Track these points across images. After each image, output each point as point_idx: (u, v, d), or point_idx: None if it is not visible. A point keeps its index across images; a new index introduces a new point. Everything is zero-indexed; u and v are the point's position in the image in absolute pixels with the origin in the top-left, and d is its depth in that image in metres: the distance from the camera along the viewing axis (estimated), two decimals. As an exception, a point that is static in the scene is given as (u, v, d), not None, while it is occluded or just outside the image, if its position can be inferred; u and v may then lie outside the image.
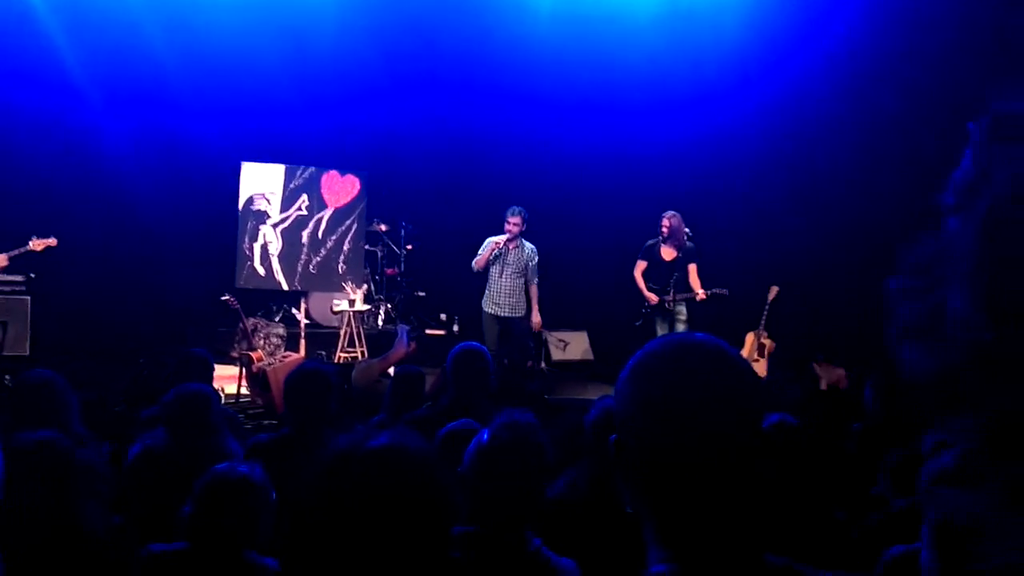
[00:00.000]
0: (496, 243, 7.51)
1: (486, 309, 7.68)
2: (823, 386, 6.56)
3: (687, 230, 7.89)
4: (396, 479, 1.24)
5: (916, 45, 7.91)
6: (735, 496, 1.05)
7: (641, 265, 8.03)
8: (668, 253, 7.90)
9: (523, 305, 7.72)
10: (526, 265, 7.65)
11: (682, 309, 7.84)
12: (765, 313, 8.22)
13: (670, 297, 7.79)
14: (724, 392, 1.05)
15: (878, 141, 8.60)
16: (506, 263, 7.59)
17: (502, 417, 2.30)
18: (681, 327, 7.78)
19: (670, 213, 7.89)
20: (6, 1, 8.74)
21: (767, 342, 8.23)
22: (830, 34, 8.63)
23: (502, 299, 7.62)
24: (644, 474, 1.08)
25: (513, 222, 7.47)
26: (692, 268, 7.85)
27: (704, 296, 7.71)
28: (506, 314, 7.64)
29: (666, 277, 7.85)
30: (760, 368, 8.05)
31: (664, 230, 7.85)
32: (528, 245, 7.70)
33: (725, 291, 7.73)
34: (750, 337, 8.26)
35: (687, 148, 9.40)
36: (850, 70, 8.65)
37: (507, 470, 2.18)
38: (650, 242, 8.00)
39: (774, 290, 8.26)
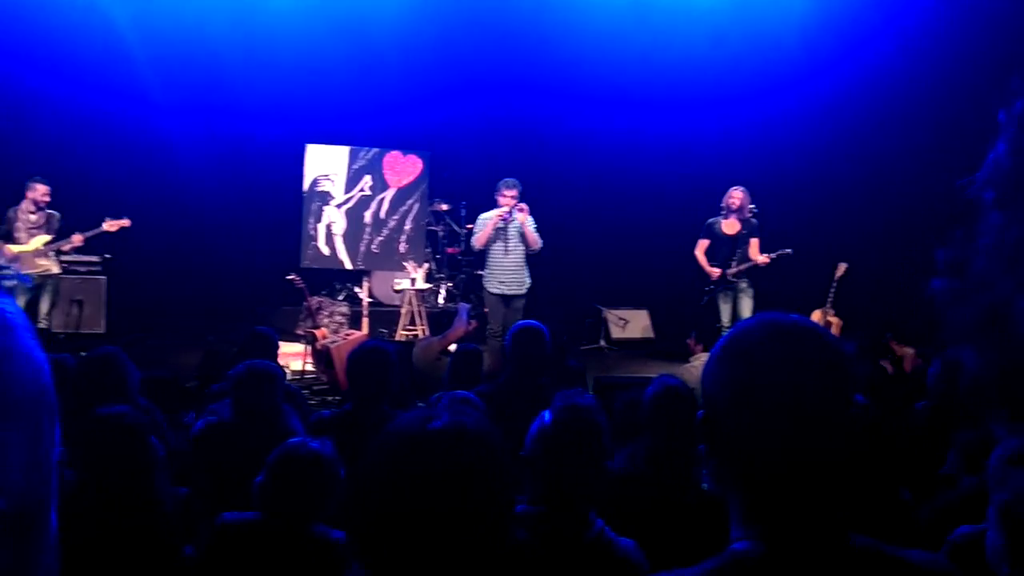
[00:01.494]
0: (501, 215, 7.15)
1: (491, 289, 7.34)
2: (896, 366, 6.40)
3: (752, 206, 7.74)
4: (458, 460, 1.25)
5: (990, 24, 7.65)
6: (826, 477, 1.06)
7: (703, 244, 7.90)
8: (730, 227, 7.75)
9: (527, 279, 7.37)
10: (523, 232, 7.25)
11: (746, 284, 7.70)
12: (832, 291, 8.03)
13: (733, 269, 7.66)
14: (819, 373, 1.07)
15: (952, 115, 8.32)
16: (508, 237, 7.26)
17: (562, 399, 2.31)
18: (746, 302, 7.65)
19: (738, 187, 7.75)
20: (85, 12, 9.07)
21: (834, 320, 8.05)
22: (906, 11, 8.42)
23: (507, 276, 7.28)
24: (733, 453, 1.09)
25: (509, 195, 7.15)
26: (754, 243, 7.69)
27: (767, 260, 7.54)
28: (512, 291, 7.31)
29: (728, 252, 7.71)
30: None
31: (734, 202, 7.68)
32: (516, 208, 7.21)
33: (789, 251, 7.53)
34: (816, 315, 8.09)
35: (750, 127, 9.28)
36: (925, 48, 8.41)
37: (570, 452, 2.19)
38: (710, 220, 7.87)
39: (842, 267, 8.06)
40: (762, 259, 7.53)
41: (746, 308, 7.63)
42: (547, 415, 2.27)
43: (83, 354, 4.17)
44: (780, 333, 1.10)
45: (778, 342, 1.09)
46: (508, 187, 7.20)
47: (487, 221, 7.23)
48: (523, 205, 7.16)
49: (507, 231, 7.26)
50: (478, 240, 7.32)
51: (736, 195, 7.69)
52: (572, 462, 2.18)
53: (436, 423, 1.26)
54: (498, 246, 7.30)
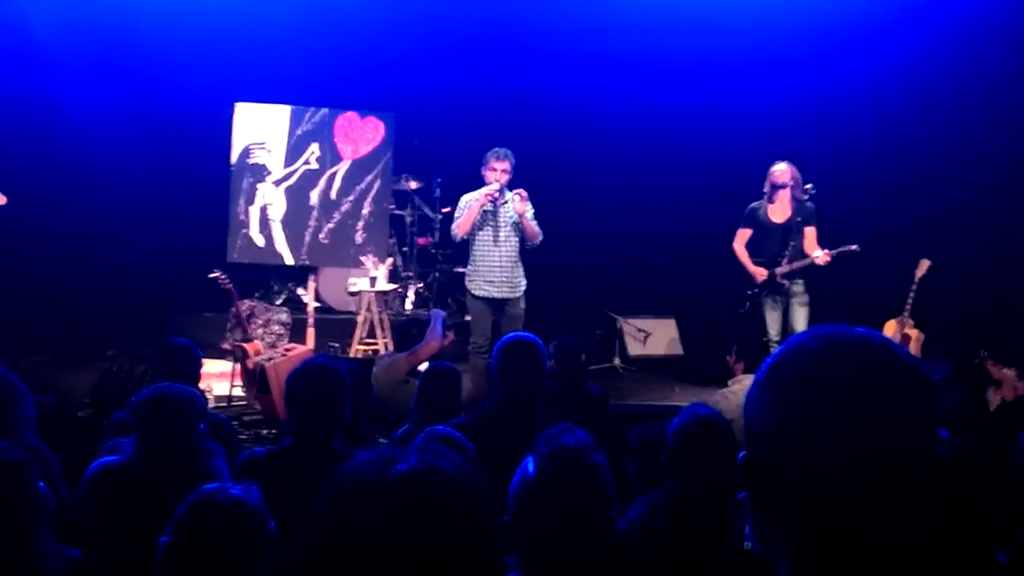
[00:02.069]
0: (488, 195, 7.10)
1: (475, 292, 7.35)
2: (994, 393, 6.44)
3: (809, 186, 7.75)
4: (428, 515, 1.25)
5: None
6: (903, 535, 1.07)
7: (743, 234, 7.92)
8: (779, 214, 7.77)
9: (523, 280, 7.40)
10: (517, 222, 7.26)
11: (799, 287, 7.73)
12: (911, 295, 8.05)
13: (783, 268, 7.68)
14: (895, 404, 1.07)
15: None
16: (498, 224, 7.26)
17: (546, 441, 2.32)
18: (800, 310, 7.69)
19: (784, 162, 7.75)
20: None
21: (913, 333, 8.09)
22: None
23: (497, 274, 7.26)
24: (784, 504, 1.10)
25: (500, 168, 7.14)
26: (810, 232, 7.71)
27: (827, 258, 7.54)
28: (503, 294, 7.30)
29: (778, 246, 7.73)
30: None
31: (781, 177, 7.66)
32: (514, 194, 7.21)
33: (855, 247, 7.53)
34: (891, 326, 8.14)
35: (802, 95, 9.42)
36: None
37: (561, 510, 2.21)
38: (753, 204, 7.89)
39: (924, 264, 8.08)
40: (821, 257, 7.54)
41: (800, 318, 7.67)
42: (530, 464, 2.28)
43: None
44: (844, 352, 1.11)
45: (841, 363, 1.09)
46: (498, 158, 7.20)
47: (472, 203, 7.23)
48: (521, 191, 7.15)
49: (497, 216, 7.26)
50: (460, 227, 7.31)
51: (781, 169, 7.70)
52: (565, 523, 2.20)
53: (401, 467, 1.26)
54: (485, 236, 7.30)
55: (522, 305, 7.40)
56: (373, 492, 1.25)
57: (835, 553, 1.07)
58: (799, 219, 7.70)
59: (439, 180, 9.98)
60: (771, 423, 1.11)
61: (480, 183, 7.27)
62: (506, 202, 7.22)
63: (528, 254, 7.41)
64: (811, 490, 1.07)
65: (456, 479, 1.28)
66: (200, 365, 5.07)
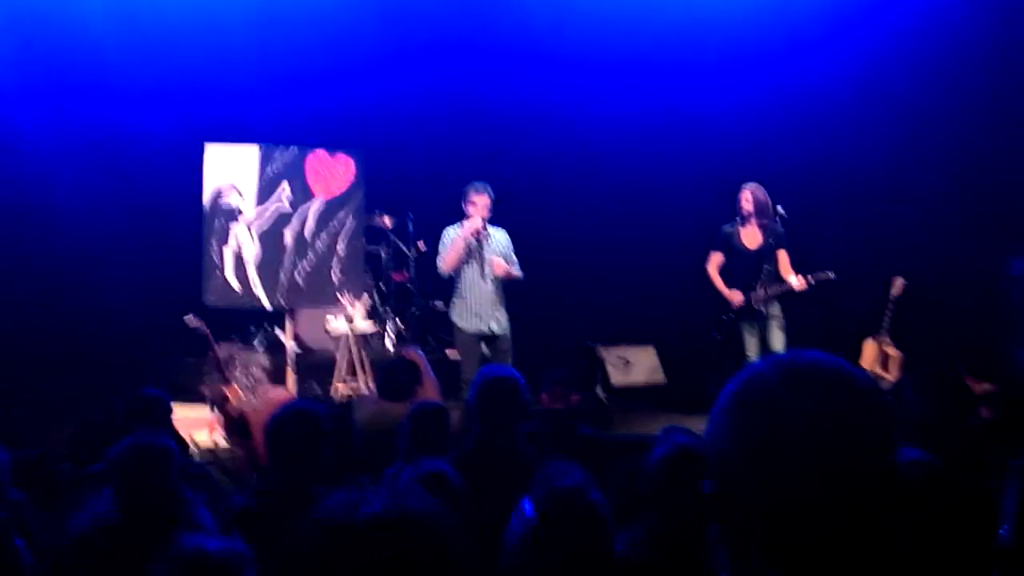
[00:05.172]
0: (474, 230, 7.25)
1: (462, 325, 7.48)
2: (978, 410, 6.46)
3: (779, 208, 7.81)
4: (397, 557, 1.25)
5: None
6: (870, 557, 1.07)
7: (715, 258, 7.98)
8: (751, 239, 7.84)
9: (507, 314, 7.55)
10: (506, 257, 7.47)
11: (776, 310, 7.79)
12: (888, 313, 8.12)
13: (759, 294, 7.73)
14: (853, 426, 1.08)
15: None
16: (483, 259, 7.38)
17: (544, 484, 2.31)
18: (777, 334, 7.74)
19: (751, 185, 7.83)
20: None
21: (892, 352, 8.14)
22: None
23: (486, 308, 7.41)
24: (750, 531, 1.10)
25: (482, 203, 7.27)
26: (783, 256, 7.79)
27: (804, 284, 7.61)
28: (493, 328, 7.45)
29: (751, 271, 7.79)
30: (887, 385, 7.97)
31: (746, 206, 7.77)
32: (499, 231, 7.51)
33: (831, 274, 7.63)
34: (869, 346, 8.19)
35: (768, 113, 9.40)
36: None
37: (566, 556, 2.20)
38: (726, 228, 7.95)
39: (898, 283, 8.16)
40: (797, 283, 7.61)
41: (778, 339, 7.74)
42: (527, 507, 2.26)
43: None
44: (800, 374, 1.12)
45: (799, 386, 1.11)
46: (478, 192, 7.29)
47: (455, 238, 7.27)
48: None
49: (482, 250, 7.33)
50: (446, 263, 7.39)
51: (747, 195, 7.77)
52: (566, 564, 2.20)
53: (368, 508, 1.26)
54: (471, 270, 7.39)
55: (509, 338, 7.47)
56: (341, 534, 1.25)
57: None
58: (772, 242, 7.76)
59: (411, 215, 9.98)
60: (728, 451, 1.12)
61: (457, 214, 7.32)
62: (488, 236, 7.30)
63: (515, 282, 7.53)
64: (770, 518, 1.08)
65: (424, 520, 1.28)
66: (170, 412, 5.04)
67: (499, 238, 7.53)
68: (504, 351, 7.44)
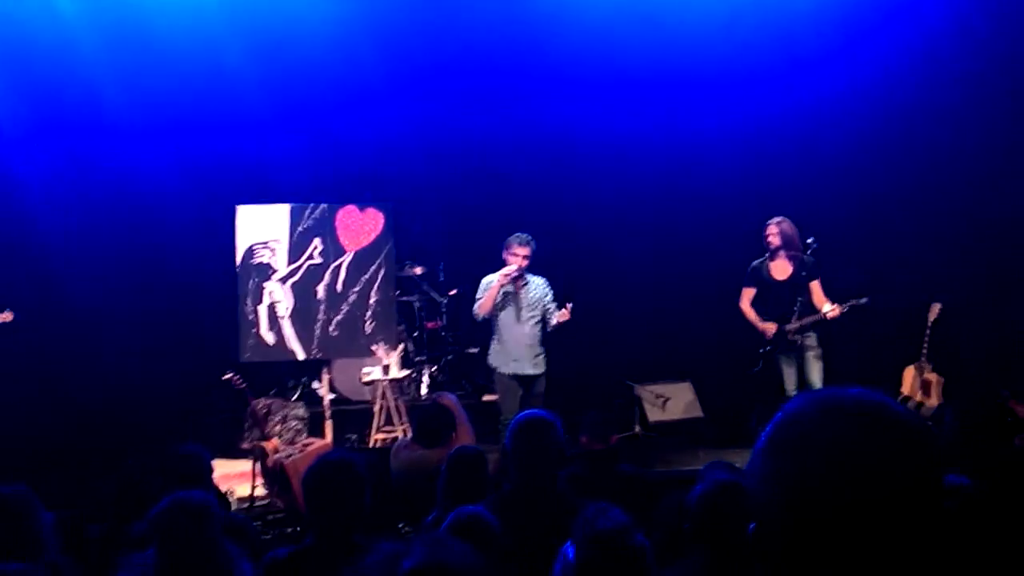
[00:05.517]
0: (506, 275, 7.43)
1: (501, 369, 7.64)
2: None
3: (810, 240, 7.79)
4: None
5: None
6: None
7: (748, 293, 7.96)
8: (781, 271, 7.81)
9: (545, 357, 7.71)
10: (541, 303, 7.63)
11: (812, 340, 7.73)
12: (926, 340, 8.05)
13: (793, 325, 7.68)
14: (896, 463, 1.07)
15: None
16: (520, 305, 7.57)
17: (585, 526, 2.30)
18: (815, 365, 7.67)
19: (777, 219, 7.82)
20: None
21: (932, 377, 8.06)
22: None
23: (523, 351, 7.58)
24: (793, 572, 1.09)
25: (522, 253, 7.45)
26: (815, 287, 7.74)
27: (837, 312, 7.55)
28: (530, 371, 7.61)
29: (785, 303, 7.75)
30: (928, 411, 7.88)
31: (773, 239, 7.76)
32: (538, 279, 7.69)
33: (865, 299, 7.56)
34: (909, 373, 8.11)
35: (796, 144, 9.39)
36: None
37: None
38: (755, 263, 7.95)
39: (935, 308, 8.10)
40: (831, 311, 7.55)
41: (815, 371, 7.67)
42: (569, 551, 2.25)
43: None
44: (841, 412, 1.11)
45: (840, 424, 1.09)
46: (520, 244, 7.47)
47: (492, 284, 7.45)
48: (522, 277, 7.38)
49: (518, 297, 7.50)
50: (481, 307, 7.56)
51: (773, 229, 7.77)
52: None
53: (408, 563, 1.27)
54: (508, 315, 7.56)
55: (544, 382, 7.61)
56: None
57: None
58: (804, 275, 7.72)
59: (442, 264, 10.05)
60: (768, 492, 1.11)
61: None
62: (526, 283, 7.50)
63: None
64: (814, 560, 1.07)
65: (461, 571, 1.29)
66: (211, 469, 5.06)
67: (537, 283, 7.67)
68: (539, 395, 7.54)
